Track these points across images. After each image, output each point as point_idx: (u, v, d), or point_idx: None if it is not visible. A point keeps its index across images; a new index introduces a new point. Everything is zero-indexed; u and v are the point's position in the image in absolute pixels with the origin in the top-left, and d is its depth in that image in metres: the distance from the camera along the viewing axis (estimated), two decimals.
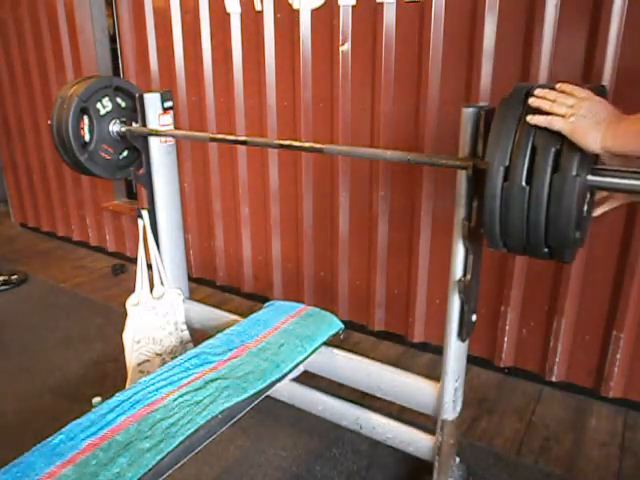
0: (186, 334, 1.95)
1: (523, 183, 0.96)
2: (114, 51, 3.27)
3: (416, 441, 1.53)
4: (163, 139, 1.79)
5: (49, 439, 1.11)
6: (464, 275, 1.26)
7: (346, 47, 2.18)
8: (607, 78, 1.71)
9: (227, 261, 2.95)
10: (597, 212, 1.13)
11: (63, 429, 1.14)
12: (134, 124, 1.83)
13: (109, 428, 1.14)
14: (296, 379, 1.67)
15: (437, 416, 1.44)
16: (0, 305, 2.88)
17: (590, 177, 0.99)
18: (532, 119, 0.96)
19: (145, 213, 1.87)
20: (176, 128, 1.88)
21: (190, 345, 1.94)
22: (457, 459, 1.52)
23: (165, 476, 1.09)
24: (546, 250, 1.02)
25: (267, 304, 1.81)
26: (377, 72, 2.12)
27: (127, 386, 1.80)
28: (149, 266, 1.89)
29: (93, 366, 2.27)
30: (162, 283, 1.92)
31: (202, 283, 3.05)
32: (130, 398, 1.24)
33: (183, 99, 2.76)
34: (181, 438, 1.12)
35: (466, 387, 1.46)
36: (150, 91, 1.79)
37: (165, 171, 1.84)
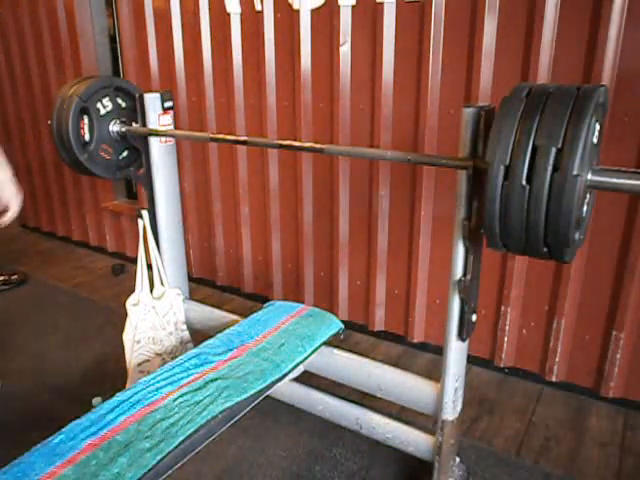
0: (186, 334, 1.95)
1: (523, 182, 0.96)
2: (114, 51, 3.27)
3: (416, 441, 1.52)
4: (163, 139, 1.79)
5: (49, 439, 1.11)
6: (464, 275, 1.26)
7: (346, 47, 2.18)
8: (607, 78, 1.71)
9: (227, 261, 2.95)
10: None
11: (63, 429, 1.14)
12: (134, 124, 1.83)
13: (109, 428, 1.14)
14: (296, 379, 1.67)
15: (437, 416, 1.44)
16: (0, 305, 2.88)
17: (590, 177, 0.99)
18: None
19: (145, 213, 1.87)
20: (176, 128, 1.88)
21: (190, 345, 1.94)
22: (457, 459, 1.52)
23: (165, 476, 1.09)
24: (546, 250, 1.02)
25: (267, 304, 1.81)
26: (377, 72, 2.12)
27: (127, 386, 1.80)
28: (149, 266, 1.89)
29: (93, 366, 2.27)
30: (162, 283, 1.92)
31: (202, 283, 3.05)
32: (130, 398, 1.24)
33: (183, 99, 2.76)
34: (181, 438, 1.12)
35: (466, 387, 1.46)
36: (150, 91, 1.79)
37: (165, 171, 1.84)
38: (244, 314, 1.76)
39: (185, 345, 1.94)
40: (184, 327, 1.94)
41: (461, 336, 1.33)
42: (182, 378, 1.33)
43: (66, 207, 3.71)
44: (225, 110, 2.64)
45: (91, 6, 3.15)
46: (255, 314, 1.71)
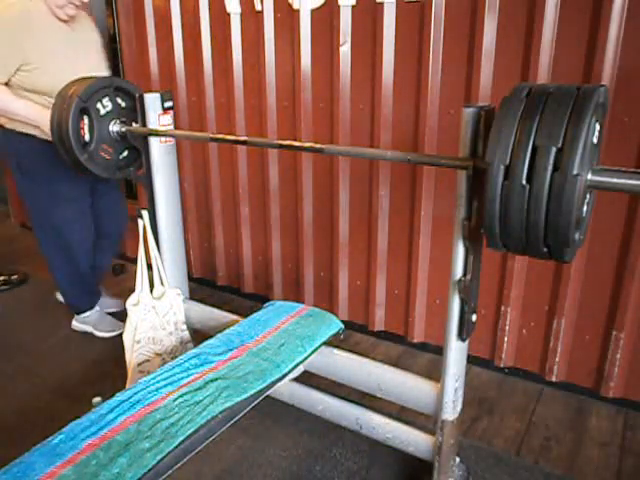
0: (186, 334, 1.95)
1: (523, 182, 0.96)
2: (114, 51, 3.27)
3: (416, 441, 1.53)
4: (163, 139, 1.79)
5: (49, 439, 1.11)
6: (464, 275, 1.26)
7: (346, 47, 2.18)
8: (607, 78, 1.71)
9: (227, 261, 2.95)
10: None
11: (63, 429, 1.14)
12: (134, 124, 1.83)
13: (109, 428, 1.14)
14: (296, 379, 1.67)
15: (437, 416, 1.44)
16: (0, 305, 2.88)
17: (590, 177, 0.99)
18: None
19: (145, 213, 1.87)
20: (176, 128, 1.88)
21: (190, 345, 1.94)
22: (457, 459, 1.52)
23: (165, 476, 1.09)
24: (545, 250, 1.02)
25: (267, 304, 1.81)
26: (377, 72, 2.12)
27: (127, 386, 1.80)
28: (149, 266, 1.89)
29: (93, 366, 2.27)
30: (162, 283, 1.92)
31: (202, 283, 3.05)
32: (130, 398, 1.24)
33: (183, 99, 2.76)
34: (181, 438, 1.12)
35: (466, 387, 1.46)
36: (150, 91, 1.79)
37: (165, 171, 1.84)
38: (244, 314, 1.76)
39: (185, 345, 1.94)
40: (184, 327, 1.94)
41: (461, 336, 1.33)
42: (182, 378, 1.33)
43: None
44: (225, 110, 2.64)
45: (91, 6, 3.15)
46: (255, 314, 1.71)
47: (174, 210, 1.91)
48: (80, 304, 2.52)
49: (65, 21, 2.08)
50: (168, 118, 1.78)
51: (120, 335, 2.39)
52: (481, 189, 1.07)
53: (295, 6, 2.26)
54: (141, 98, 1.75)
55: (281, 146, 1.50)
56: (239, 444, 1.81)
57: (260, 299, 2.78)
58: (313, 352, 1.53)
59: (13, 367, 2.28)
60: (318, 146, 1.41)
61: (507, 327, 2.12)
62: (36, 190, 2.21)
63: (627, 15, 1.66)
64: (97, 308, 2.55)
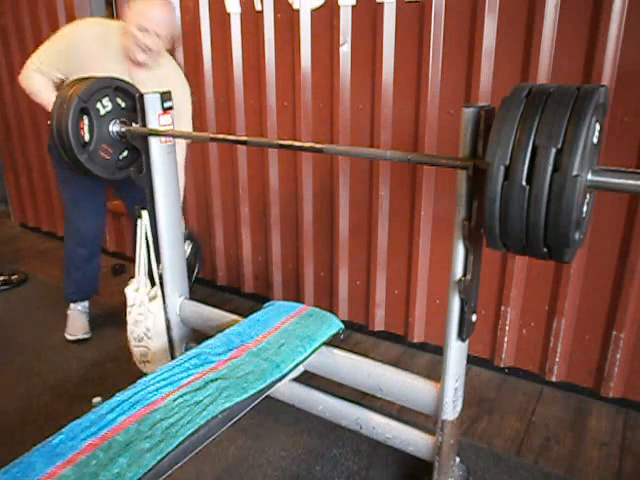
0: (152, 343, 1.92)
1: (523, 182, 0.96)
2: None
3: (416, 441, 1.53)
4: (163, 139, 1.79)
5: (49, 439, 1.11)
6: (464, 275, 1.26)
7: (346, 47, 2.18)
8: (607, 78, 1.71)
9: (227, 261, 2.95)
10: None
11: (63, 429, 1.14)
12: (134, 124, 1.83)
13: (109, 428, 1.14)
14: (296, 379, 1.67)
15: (437, 416, 1.44)
16: (0, 305, 2.88)
17: (590, 177, 0.99)
18: None
19: (145, 213, 1.87)
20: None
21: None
22: (457, 459, 1.52)
23: (165, 476, 1.09)
24: (545, 250, 1.02)
25: (267, 304, 1.82)
26: (377, 72, 2.12)
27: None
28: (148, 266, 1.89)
29: (93, 366, 2.27)
30: (155, 284, 1.93)
31: (202, 283, 3.05)
32: (130, 398, 1.24)
33: None
34: (181, 438, 1.12)
35: (466, 387, 1.46)
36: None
37: (165, 171, 1.84)
38: (244, 314, 1.75)
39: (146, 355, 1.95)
40: (151, 335, 1.91)
41: (461, 336, 1.33)
42: (182, 378, 1.33)
43: None
44: (225, 110, 2.64)
45: (91, 6, 3.15)
46: (255, 314, 1.71)
47: (174, 210, 1.91)
48: (67, 294, 2.55)
49: (140, 65, 2.09)
50: (168, 118, 1.78)
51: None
52: (481, 189, 1.07)
53: (295, 6, 2.26)
54: (141, 98, 1.75)
55: (281, 146, 1.50)
56: (239, 444, 1.81)
57: (260, 299, 2.78)
58: (313, 352, 1.53)
59: (13, 367, 2.28)
60: (318, 146, 1.41)
61: (507, 327, 2.12)
62: (60, 187, 2.41)
63: (627, 15, 1.66)
64: (80, 307, 2.56)
